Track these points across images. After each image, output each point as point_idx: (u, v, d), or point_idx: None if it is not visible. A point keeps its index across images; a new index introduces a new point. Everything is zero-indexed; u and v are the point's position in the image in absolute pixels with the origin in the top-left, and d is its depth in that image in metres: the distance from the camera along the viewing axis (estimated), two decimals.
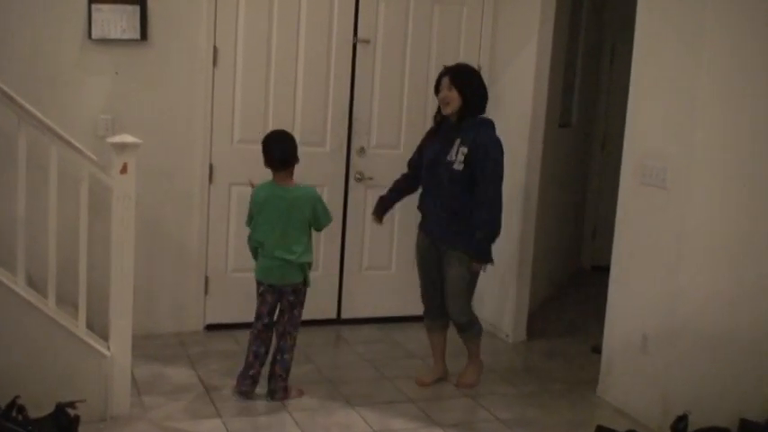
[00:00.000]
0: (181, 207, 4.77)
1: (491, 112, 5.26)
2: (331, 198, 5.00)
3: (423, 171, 4.19)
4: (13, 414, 3.14)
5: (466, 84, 4.05)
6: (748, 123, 3.71)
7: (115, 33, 4.43)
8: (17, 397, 3.18)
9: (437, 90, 4.12)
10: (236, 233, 4.89)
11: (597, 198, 6.96)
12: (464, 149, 3.96)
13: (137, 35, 4.47)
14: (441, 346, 4.36)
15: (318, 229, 4.02)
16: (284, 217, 3.86)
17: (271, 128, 4.83)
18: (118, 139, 3.51)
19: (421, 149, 4.28)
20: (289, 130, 4.87)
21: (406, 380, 4.35)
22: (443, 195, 4.07)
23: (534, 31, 4.89)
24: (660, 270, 3.85)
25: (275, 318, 4.01)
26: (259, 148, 4.85)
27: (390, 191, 4.38)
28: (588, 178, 7.05)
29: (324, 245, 5.04)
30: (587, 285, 6.44)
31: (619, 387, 4.12)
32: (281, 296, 3.94)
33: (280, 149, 3.90)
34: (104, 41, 4.43)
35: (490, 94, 5.24)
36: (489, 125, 4.11)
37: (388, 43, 5.06)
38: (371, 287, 5.24)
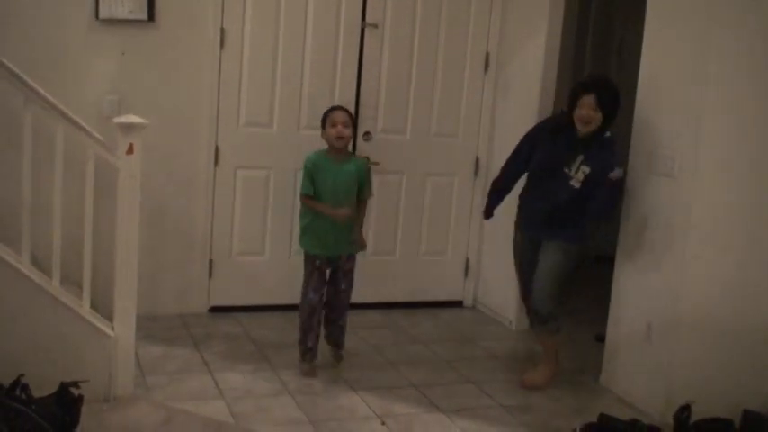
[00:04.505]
0: (186, 189, 4.76)
1: (498, 100, 5.29)
2: None
3: (532, 170, 4.07)
4: (17, 393, 3.14)
5: (612, 107, 3.83)
6: (757, 113, 3.70)
7: (122, 14, 4.42)
8: (21, 375, 3.18)
9: (574, 104, 3.86)
10: (242, 216, 4.90)
11: None
12: (585, 169, 3.82)
13: (144, 16, 4.46)
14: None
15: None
16: None
17: (277, 111, 4.85)
18: (124, 119, 3.50)
19: (532, 144, 4.11)
20: (295, 113, 4.91)
21: (409, 365, 4.36)
22: (552, 203, 3.95)
23: (544, 20, 4.87)
24: (666, 259, 3.84)
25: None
26: (264, 131, 4.88)
27: (499, 192, 4.28)
28: None
29: None
30: (591, 274, 6.43)
31: (622, 376, 4.12)
32: None
33: None
34: (111, 22, 4.42)
35: (498, 82, 5.27)
36: (613, 146, 3.89)
37: (397, 28, 5.03)
38: (375, 273, 5.24)
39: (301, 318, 4.12)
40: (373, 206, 5.15)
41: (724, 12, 3.59)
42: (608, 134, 3.91)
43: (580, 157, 3.87)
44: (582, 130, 3.87)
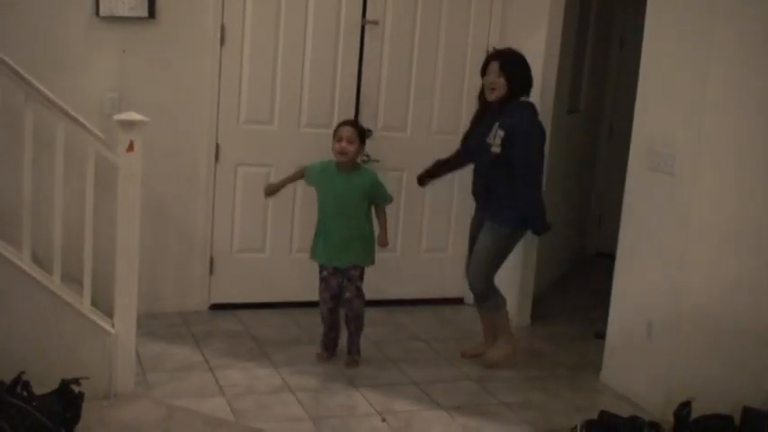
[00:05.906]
0: (186, 187, 4.76)
1: None
2: None
3: (471, 153, 4.28)
4: (18, 390, 3.15)
5: (515, 72, 4.05)
6: (757, 110, 3.69)
7: (123, 11, 4.41)
8: (22, 373, 3.19)
9: (483, 72, 4.12)
10: (242, 213, 4.90)
11: (603, 184, 6.94)
12: (501, 133, 3.97)
13: (144, 13, 4.45)
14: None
15: None
16: None
17: (277, 108, 4.85)
18: (125, 116, 3.50)
19: (472, 128, 4.35)
20: (295, 111, 4.91)
21: (409, 362, 4.36)
22: (485, 176, 4.17)
23: (544, 16, 4.86)
24: (666, 257, 3.84)
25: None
26: (265, 128, 4.88)
27: (441, 162, 4.48)
28: (595, 164, 7.03)
29: None
30: (592, 271, 6.44)
31: (622, 373, 4.12)
32: None
33: None
34: (112, 19, 4.41)
35: None
36: (528, 108, 4.08)
37: (397, 25, 5.03)
38: (376, 270, 5.22)
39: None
40: None
41: (725, 7, 3.58)
42: (524, 99, 4.08)
43: (496, 125, 4.02)
44: (489, 96, 4.08)
